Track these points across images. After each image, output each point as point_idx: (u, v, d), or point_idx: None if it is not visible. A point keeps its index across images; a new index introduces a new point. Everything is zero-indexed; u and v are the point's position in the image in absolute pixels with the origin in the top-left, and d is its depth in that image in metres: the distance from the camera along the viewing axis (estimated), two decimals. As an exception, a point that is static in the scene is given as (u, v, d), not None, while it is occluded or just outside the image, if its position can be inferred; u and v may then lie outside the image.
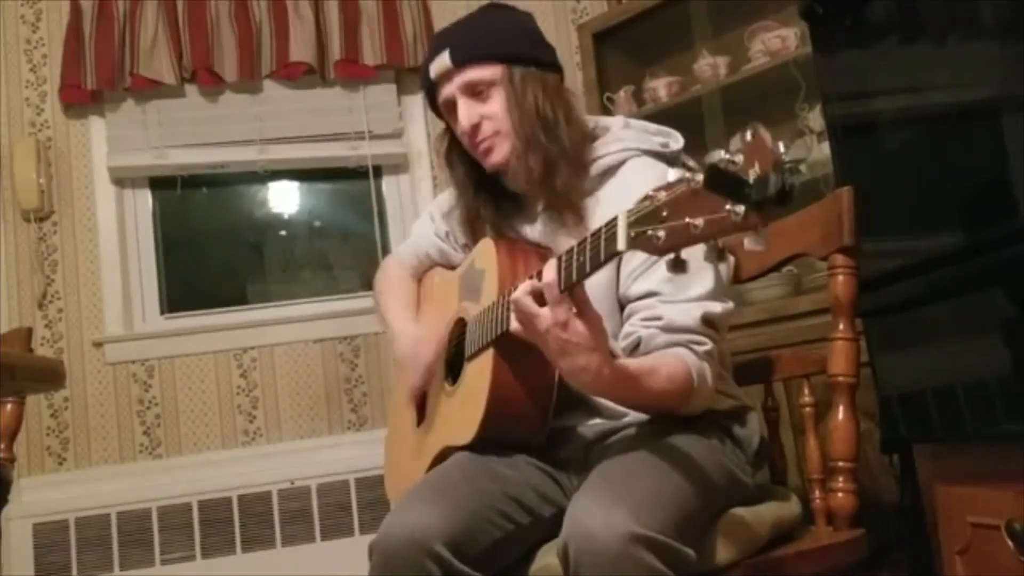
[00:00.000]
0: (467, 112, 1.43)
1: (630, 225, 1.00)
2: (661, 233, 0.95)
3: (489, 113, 1.43)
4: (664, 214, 0.95)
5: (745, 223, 0.87)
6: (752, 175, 0.85)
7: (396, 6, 2.94)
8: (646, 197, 0.98)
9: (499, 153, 1.44)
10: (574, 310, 1.12)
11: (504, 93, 1.42)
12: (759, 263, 1.60)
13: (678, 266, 0.96)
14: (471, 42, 1.44)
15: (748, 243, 0.89)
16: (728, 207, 0.87)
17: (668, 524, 1.10)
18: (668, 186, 0.95)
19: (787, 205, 0.85)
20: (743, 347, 1.98)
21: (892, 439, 1.62)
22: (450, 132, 1.53)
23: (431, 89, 1.49)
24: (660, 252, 0.96)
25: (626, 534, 1.06)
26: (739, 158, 0.86)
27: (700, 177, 0.90)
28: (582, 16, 3.08)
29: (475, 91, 1.43)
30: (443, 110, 1.50)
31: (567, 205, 1.41)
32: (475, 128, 1.43)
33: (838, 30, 1.59)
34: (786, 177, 0.84)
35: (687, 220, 0.91)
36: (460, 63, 1.43)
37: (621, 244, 1.01)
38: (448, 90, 1.45)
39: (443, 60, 1.44)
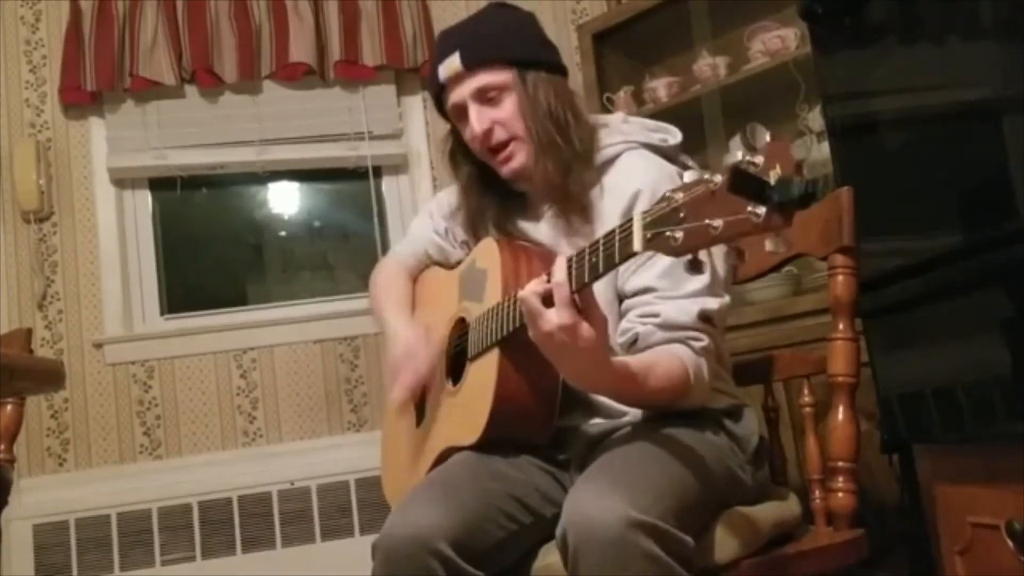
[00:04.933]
0: (479, 117, 1.43)
1: (646, 226, 1.00)
2: (679, 235, 0.95)
3: (500, 118, 1.43)
4: (681, 215, 0.95)
5: (767, 224, 0.87)
6: (774, 176, 0.85)
7: (396, 6, 2.93)
8: (663, 198, 0.98)
9: (518, 160, 1.44)
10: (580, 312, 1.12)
11: (516, 98, 1.42)
12: (759, 264, 1.60)
13: (695, 267, 0.96)
14: (482, 45, 1.44)
15: (769, 245, 0.90)
16: (749, 208, 0.87)
17: (666, 511, 1.10)
18: (685, 187, 0.95)
19: (809, 207, 0.85)
20: (743, 347, 1.98)
21: (892, 439, 1.62)
22: (455, 133, 1.53)
23: (439, 91, 1.49)
24: (678, 253, 0.96)
25: (624, 519, 1.07)
26: (759, 159, 0.86)
27: (719, 178, 0.90)
28: (582, 16, 3.08)
29: (487, 97, 1.43)
30: (452, 114, 1.49)
31: (577, 206, 1.41)
32: (487, 133, 1.43)
33: (838, 30, 1.59)
34: (809, 180, 0.84)
35: (706, 221, 0.91)
36: (471, 67, 1.42)
37: (637, 245, 1.01)
38: (459, 94, 1.44)
39: (453, 62, 1.43)
